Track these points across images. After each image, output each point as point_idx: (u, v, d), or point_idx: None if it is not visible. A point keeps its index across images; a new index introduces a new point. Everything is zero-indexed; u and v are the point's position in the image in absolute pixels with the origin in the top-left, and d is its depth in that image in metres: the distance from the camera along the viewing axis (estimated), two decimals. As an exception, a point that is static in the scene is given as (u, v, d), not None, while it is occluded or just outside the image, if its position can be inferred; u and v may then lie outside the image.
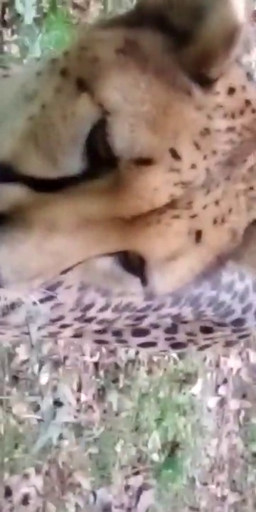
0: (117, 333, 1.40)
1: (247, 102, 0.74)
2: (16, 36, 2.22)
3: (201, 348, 1.55)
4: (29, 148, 0.71)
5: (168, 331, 1.44)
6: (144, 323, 1.37)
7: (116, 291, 0.82)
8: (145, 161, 0.68)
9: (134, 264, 0.74)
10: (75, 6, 2.30)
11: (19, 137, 0.71)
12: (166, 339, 1.46)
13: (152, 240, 0.71)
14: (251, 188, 0.76)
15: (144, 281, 0.75)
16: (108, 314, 1.29)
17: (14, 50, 2.22)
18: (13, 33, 2.21)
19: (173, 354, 2.39)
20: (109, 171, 0.69)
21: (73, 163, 0.70)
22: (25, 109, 0.72)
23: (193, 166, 0.70)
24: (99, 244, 0.70)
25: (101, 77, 0.70)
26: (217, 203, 0.73)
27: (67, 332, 1.32)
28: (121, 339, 1.42)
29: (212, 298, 1.38)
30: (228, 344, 1.57)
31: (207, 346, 1.55)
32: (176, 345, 1.50)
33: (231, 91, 0.73)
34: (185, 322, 1.43)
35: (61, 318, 1.25)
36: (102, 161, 0.70)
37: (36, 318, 1.17)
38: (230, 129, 0.73)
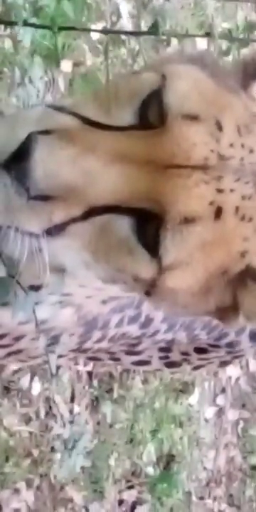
0: (111, 352, 1.36)
1: None
2: (9, 30, 2.17)
3: (195, 368, 1.53)
4: (88, 99, 0.80)
5: (162, 349, 1.41)
6: (139, 348, 1.35)
7: (123, 266, 0.80)
8: (191, 117, 0.74)
9: (148, 239, 0.76)
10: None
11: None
12: (160, 358, 1.44)
13: (178, 191, 0.73)
14: None
15: (155, 252, 0.76)
16: (104, 344, 1.27)
17: (8, 44, 2.17)
18: (6, 26, 2.15)
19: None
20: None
21: (125, 117, 0.77)
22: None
23: (231, 146, 0.75)
24: (128, 183, 0.73)
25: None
26: (243, 198, 0.75)
27: (61, 361, 1.33)
28: (114, 357, 1.39)
29: (205, 321, 1.35)
30: (223, 364, 1.55)
31: (201, 366, 1.53)
32: (169, 364, 1.48)
33: None
34: (179, 344, 1.40)
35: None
36: (151, 125, 0.76)
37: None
38: None
